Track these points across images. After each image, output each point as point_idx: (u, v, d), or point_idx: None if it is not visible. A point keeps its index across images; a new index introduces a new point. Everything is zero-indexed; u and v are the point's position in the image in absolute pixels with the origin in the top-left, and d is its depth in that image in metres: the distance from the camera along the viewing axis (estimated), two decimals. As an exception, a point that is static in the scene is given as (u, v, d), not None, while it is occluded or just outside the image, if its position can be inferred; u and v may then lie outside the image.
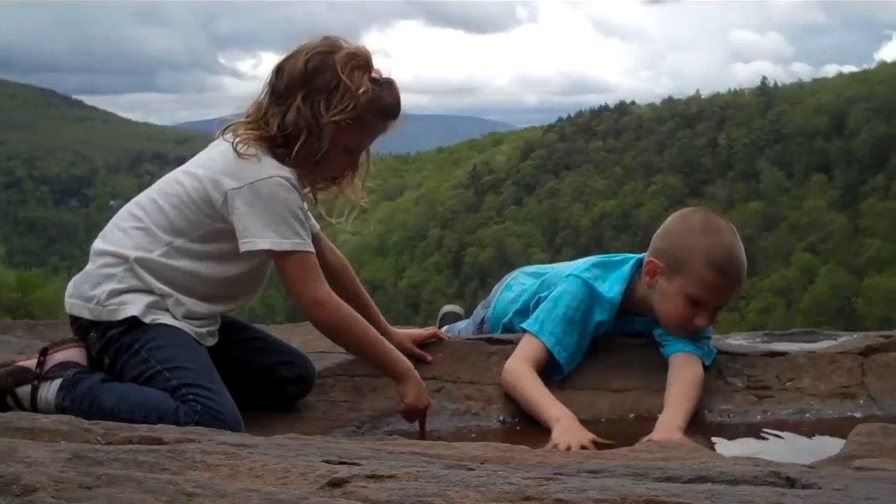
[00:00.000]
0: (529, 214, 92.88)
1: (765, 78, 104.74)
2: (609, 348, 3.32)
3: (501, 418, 3.10)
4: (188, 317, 2.83)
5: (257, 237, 2.76)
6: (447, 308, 4.81)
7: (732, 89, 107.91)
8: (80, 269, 2.91)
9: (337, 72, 2.82)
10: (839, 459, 2.22)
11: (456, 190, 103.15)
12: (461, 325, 4.08)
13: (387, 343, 2.96)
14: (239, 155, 2.79)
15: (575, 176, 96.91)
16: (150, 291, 2.80)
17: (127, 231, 2.86)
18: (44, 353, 2.84)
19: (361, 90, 2.82)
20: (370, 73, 2.88)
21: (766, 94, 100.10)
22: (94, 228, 3.01)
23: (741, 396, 3.20)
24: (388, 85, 2.92)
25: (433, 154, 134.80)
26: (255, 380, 3.00)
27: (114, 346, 2.78)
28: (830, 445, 2.64)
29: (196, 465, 1.57)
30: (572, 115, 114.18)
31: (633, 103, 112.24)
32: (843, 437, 2.50)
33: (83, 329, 2.86)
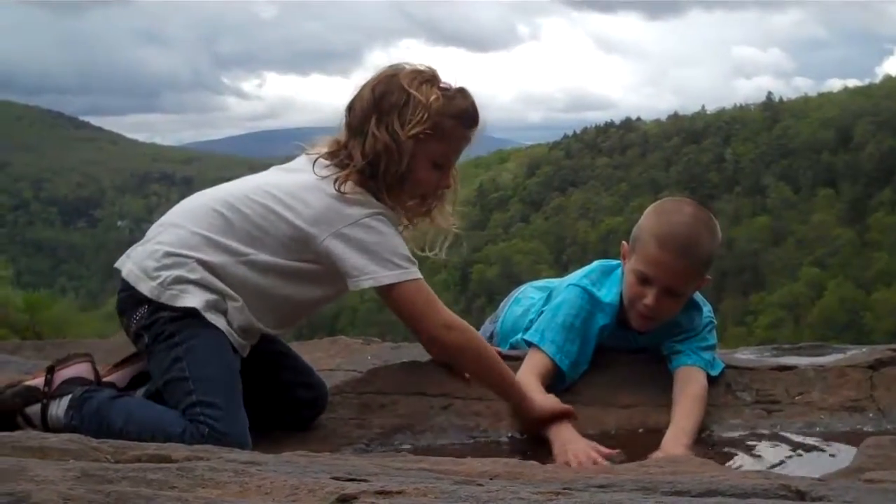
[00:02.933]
0: (536, 231, 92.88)
1: (770, 93, 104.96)
2: (617, 363, 3.32)
3: (510, 434, 3.09)
4: (242, 327, 2.81)
5: (377, 273, 2.79)
6: None
7: (738, 104, 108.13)
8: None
9: (404, 89, 2.84)
10: (849, 472, 2.22)
11: (463, 207, 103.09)
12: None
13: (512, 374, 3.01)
14: (341, 194, 2.80)
15: (581, 192, 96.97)
16: (215, 290, 2.77)
17: (208, 237, 2.81)
18: (51, 370, 2.83)
19: (432, 98, 2.84)
20: (438, 84, 2.90)
21: (771, 108, 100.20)
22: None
23: (750, 411, 3.19)
24: (460, 92, 2.94)
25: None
26: (272, 396, 2.99)
27: (157, 327, 2.74)
28: (840, 458, 2.64)
29: (205, 482, 1.57)
30: (578, 131, 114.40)
31: (638, 119, 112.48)
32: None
33: (133, 301, 2.80)
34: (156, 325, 2.75)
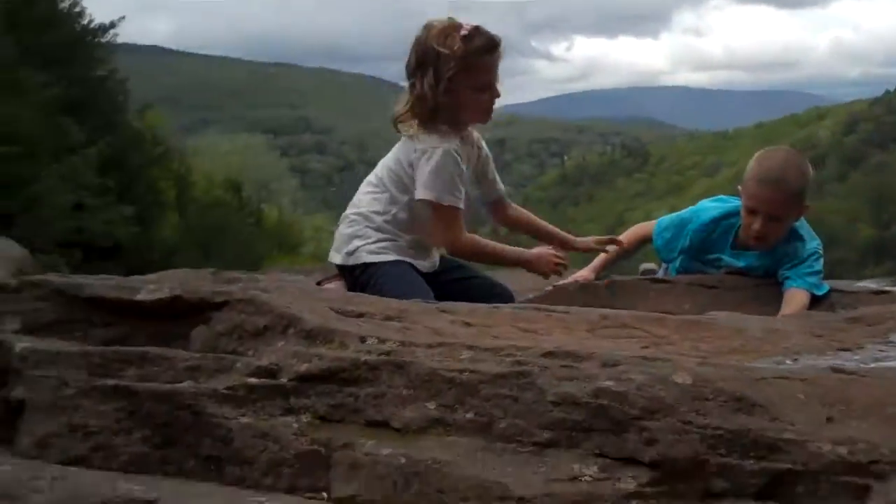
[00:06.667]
0: (854, 189, 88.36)
1: None
2: (745, 286, 3.97)
3: None
4: (410, 249, 3.71)
5: (430, 190, 3.64)
6: (644, 266, 5.25)
7: None
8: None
9: (434, 48, 3.59)
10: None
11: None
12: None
13: (511, 249, 3.91)
14: (410, 137, 3.73)
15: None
16: (380, 239, 3.68)
17: (366, 198, 3.81)
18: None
19: (455, 47, 3.57)
20: (458, 32, 3.60)
21: None
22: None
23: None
24: (475, 30, 3.62)
25: (751, 130, 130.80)
26: None
27: (359, 283, 3.61)
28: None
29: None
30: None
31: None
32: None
33: (346, 276, 3.76)
34: (357, 281, 3.65)
